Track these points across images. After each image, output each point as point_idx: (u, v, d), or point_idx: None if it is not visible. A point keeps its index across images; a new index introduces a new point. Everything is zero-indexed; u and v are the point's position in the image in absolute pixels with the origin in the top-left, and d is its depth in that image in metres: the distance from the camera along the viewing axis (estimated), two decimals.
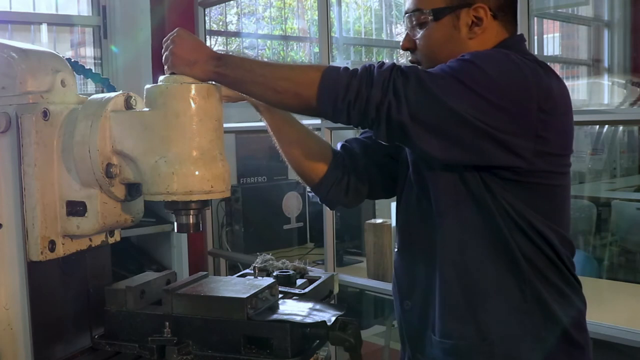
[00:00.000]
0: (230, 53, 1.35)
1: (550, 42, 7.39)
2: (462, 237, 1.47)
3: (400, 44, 1.55)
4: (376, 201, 4.01)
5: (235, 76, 1.39)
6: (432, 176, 1.48)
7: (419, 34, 1.51)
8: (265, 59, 1.43)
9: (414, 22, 1.51)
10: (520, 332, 1.48)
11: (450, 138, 1.33)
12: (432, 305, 1.54)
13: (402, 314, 1.66)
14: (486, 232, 1.45)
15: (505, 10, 1.52)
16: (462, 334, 1.49)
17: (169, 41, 1.39)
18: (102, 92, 1.47)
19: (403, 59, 6.56)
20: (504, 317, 1.48)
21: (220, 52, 1.40)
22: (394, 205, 2.00)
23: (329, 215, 3.38)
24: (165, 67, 1.38)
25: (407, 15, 1.53)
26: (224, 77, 1.39)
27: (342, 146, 1.75)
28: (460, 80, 1.31)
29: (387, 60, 1.35)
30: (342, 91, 1.32)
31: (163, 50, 1.39)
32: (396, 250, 1.68)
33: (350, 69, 1.34)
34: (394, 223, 2.90)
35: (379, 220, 3.44)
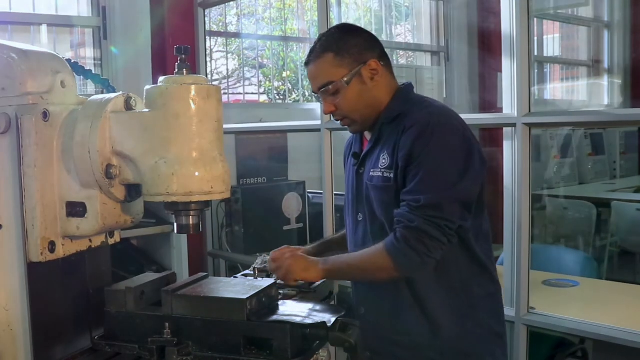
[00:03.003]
0: (332, 264, 1.80)
1: (550, 43, 7.39)
2: None
3: (323, 111, 1.93)
4: None
5: (339, 278, 1.98)
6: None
7: (337, 99, 1.88)
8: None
9: (330, 92, 1.88)
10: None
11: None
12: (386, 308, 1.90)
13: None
14: None
15: (385, 56, 1.94)
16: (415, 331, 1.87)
17: (285, 258, 1.82)
18: (102, 93, 1.47)
19: (403, 59, 6.56)
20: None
21: (324, 263, 1.81)
22: None
23: (328, 216, 3.38)
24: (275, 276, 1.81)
25: (321, 90, 1.89)
26: (331, 278, 1.88)
27: None
28: None
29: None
30: (417, 264, 1.75)
31: (275, 265, 1.84)
32: None
33: (396, 256, 1.73)
34: None
35: None
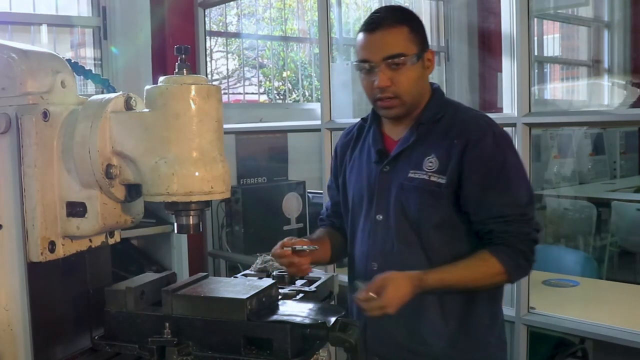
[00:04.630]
0: (437, 284, 1.76)
1: (550, 43, 7.39)
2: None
3: (378, 83, 1.81)
4: None
5: (437, 290, 1.79)
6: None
7: (398, 75, 1.80)
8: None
9: (396, 65, 1.79)
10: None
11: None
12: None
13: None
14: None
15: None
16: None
17: (383, 287, 1.67)
18: (102, 93, 1.47)
19: None
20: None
21: (423, 281, 1.72)
22: None
23: None
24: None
25: (389, 58, 1.79)
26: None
27: (332, 224, 2.16)
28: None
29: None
30: (525, 270, 1.84)
31: (367, 297, 1.67)
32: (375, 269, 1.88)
33: (515, 272, 1.80)
34: None
35: None
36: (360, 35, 1.85)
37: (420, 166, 1.82)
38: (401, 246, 1.85)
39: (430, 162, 1.81)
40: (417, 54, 1.81)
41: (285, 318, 1.32)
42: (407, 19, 1.84)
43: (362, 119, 2.06)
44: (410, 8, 6.58)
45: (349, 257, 2.04)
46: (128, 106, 1.38)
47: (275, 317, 1.33)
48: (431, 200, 1.81)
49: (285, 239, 1.85)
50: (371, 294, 1.66)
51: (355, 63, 1.88)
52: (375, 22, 1.82)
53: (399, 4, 1.96)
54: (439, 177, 1.79)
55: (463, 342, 1.85)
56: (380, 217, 1.89)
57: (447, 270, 1.76)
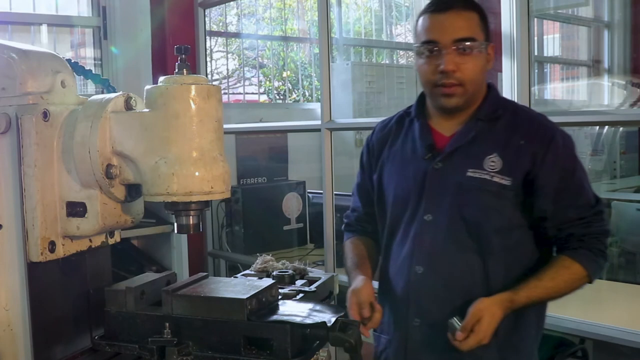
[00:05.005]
0: (525, 300, 1.68)
1: (550, 42, 7.38)
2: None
3: (445, 66, 1.71)
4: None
5: (528, 305, 1.72)
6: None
7: (464, 62, 1.71)
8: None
9: (464, 48, 1.71)
10: None
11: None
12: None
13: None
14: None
15: None
16: None
17: (479, 320, 1.61)
18: (102, 93, 1.47)
19: (403, 59, 6.56)
20: None
21: (512, 302, 1.66)
22: None
23: (329, 216, 3.38)
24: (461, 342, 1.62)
25: (459, 41, 1.71)
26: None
27: (364, 231, 2.02)
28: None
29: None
30: (602, 268, 1.79)
31: (464, 336, 1.62)
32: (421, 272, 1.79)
33: (595, 272, 1.75)
34: None
35: None
36: (426, 17, 1.76)
37: (480, 165, 1.72)
38: (454, 250, 1.74)
39: (493, 161, 1.71)
40: (485, 42, 1.75)
41: (285, 318, 1.32)
42: (476, 6, 1.76)
43: (403, 111, 1.94)
44: (411, 8, 6.60)
45: (384, 261, 1.91)
46: (128, 106, 1.38)
47: (275, 317, 1.33)
48: (494, 202, 1.71)
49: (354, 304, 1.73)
50: (459, 331, 1.60)
51: (417, 45, 1.78)
52: (447, 3, 1.74)
53: None
54: (503, 177, 1.70)
55: (511, 354, 1.76)
56: (429, 217, 1.76)
57: (534, 286, 1.68)
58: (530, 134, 1.73)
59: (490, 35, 1.79)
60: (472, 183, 1.72)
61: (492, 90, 1.83)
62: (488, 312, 1.61)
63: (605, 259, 1.74)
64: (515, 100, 2.54)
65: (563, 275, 1.70)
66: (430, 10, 1.76)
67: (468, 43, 1.71)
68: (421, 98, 1.89)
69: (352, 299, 1.73)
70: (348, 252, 1.98)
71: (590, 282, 1.74)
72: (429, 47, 1.73)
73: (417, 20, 1.81)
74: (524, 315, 1.73)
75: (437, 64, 1.72)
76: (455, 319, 1.63)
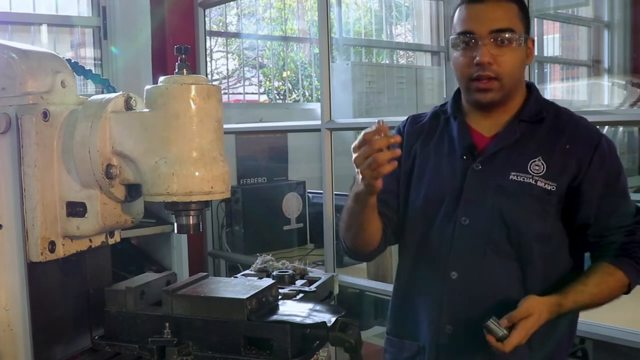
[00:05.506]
0: (571, 305, 1.63)
1: (550, 42, 7.38)
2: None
3: (481, 58, 1.64)
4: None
5: (572, 310, 1.67)
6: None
7: (501, 54, 1.64)
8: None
9: (502, 40, 1.64)
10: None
11: None
12: None
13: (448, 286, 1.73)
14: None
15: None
16: None
17: (526, 317, 1.54)
18: (102, 93, 1.47)
19: (403, 59, 6.56)
20: None
21: (560, 307, 1.59)
22: None
23: (329, 216, 3.38)
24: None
25: (497, 32, 1.64)
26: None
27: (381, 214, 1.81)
28: None
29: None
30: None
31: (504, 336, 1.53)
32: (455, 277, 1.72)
33: (635, 275, 1.68)
34: None
35: None
36: (462, 8, 1.69)
37: (524, 168, 1.66)
38: (492, 256, 1.67)
39: (537, 165, 1.65)
40: (524, 35, 1.67)
41: (285, 318, 1.32)
42: None
43: (438, 108, 1.86)
44: (411, 8, 6.61)
45: (409, 263, 1.83)
46: (128, 106, 1.38)
47: (275, 317, 1.33)
48: (537, 208, 1.65)
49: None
50: (505, 330, 1.51)
51: (452, 37, 1.70)
52: None
53: None
54: (547, 182, 1.64)
55: None
56: (466, 220, 1.69)
57: (580, 291, 1.62)
58: (576, 138, 1.67)
59: (530, 28, 1.71)
60: (515, 187, 1.65)
61: (533, 90, 1.77)
62: (537, 311, 1.54)
63: None
64: None
65: (608, 282, 1.64)
66: (467, 0, 1.69)
67: (506, 34, 1.64)
68: (457, 95, 1.82)
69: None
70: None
71: (628, 291, 1.69)
72: (465, 38, 1.66)
73: (454, 12, 1.74)
74: (557, 325, 1.66)
75: (473, 56, 1.65)
76: (492, 319, 1.53)
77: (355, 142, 1.55)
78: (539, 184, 1.64)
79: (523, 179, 1.65)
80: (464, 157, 1.72)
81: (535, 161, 1.66)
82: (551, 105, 1.77)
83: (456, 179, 1.72)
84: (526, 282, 1.67)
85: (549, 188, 1.64)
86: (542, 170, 1.65)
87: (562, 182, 1.65)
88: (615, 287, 1.66)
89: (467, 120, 1.76)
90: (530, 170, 1.65)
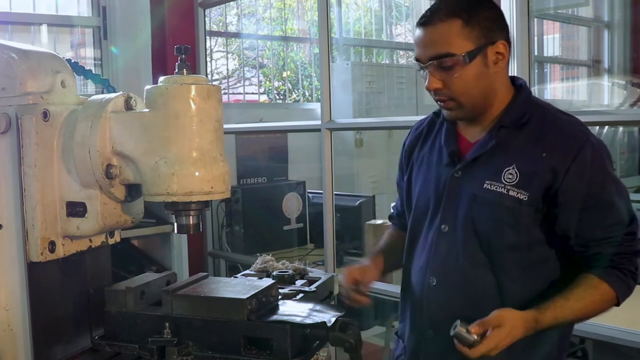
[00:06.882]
0: (550, 321, 1.54)
1: (550, 42, 7.38)
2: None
3: (428, 86, 1.63)
4: (376, 202, 4.01)
5: (553, 326, 1.59)
6: None
7: (450, 75, 1.60)
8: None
9: (443, 66, 1.59)
10: None
11: None
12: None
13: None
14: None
15: (510, 41, 1.65)
16: None
17: (498, 326, 1.49)
18: (102, 93, 1.47)
19: (403, 59, 6.56)
20: None
21: (538, 322, 1.54)
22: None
23: (329, 216, 3.38)
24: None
25: (435, 59, 1.59)
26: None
27: (402, 226, 1.95)
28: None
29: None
30: (632, 290, 1.64)
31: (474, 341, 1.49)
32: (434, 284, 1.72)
33: (625, 294, 1.62)
34: None
35: (379, 221, 3.44)
36: (415, 30, 1.66)
37: (498, 177, 1.61)
38: (467, 265, 1.66)
39: (511, 174, 1.60)
40: (472, 51, 1.57)
41: (285, 318, 1.32)
42: (464, 8, 1.59)
43: (434, 112, 1.83)
44: (411, 8, 6.61)
45: (404, 266, 1.85)
46: (128, 106, 1.38)
47: (275, 317, 1.33)
48: (508, 218, 1.60)
49: (355, 270, 1.76)
50: (475, 335, 1.47)
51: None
52: (426, 16, 1.62)
53: None
54: (519, 192, 1.59)
55: None
56: (445, 228, 1.68)
57: (560, 306, 1.55)
58: (553, 146, 1.59)
59: (494, 32, 1.61)
60: (487, 196, 1.62)
61: (521, 92, 1.69)
62: (510, 323, 1.49)
63: (635, 281, 1.62)
64: None
65: (592, 296, 1.58)
66: (417, 22, 1.66)
67: (445, 60, 1.58)
68: None
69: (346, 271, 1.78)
70: (381, 239, 2.00)
71: (617, 304, 1.63)
72: (416, 65, 1.66)
73: None
74: (544, 335, 1.60)
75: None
76: (461, 325, 1.49)
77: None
78: (510, 193, 1.60)
79: (496, 188, 1.61)
80: (447, 164, 1.71)
81: (509, 170, 1.61)
82: (538, 108, 1.68)
83: (440, 186, 1.71)
84: (502, 292, 1.64)
85: (521, 197, 1.59)
86: (515, 179, 1.60)
87: (534, 192, 1.59)
88: (601, 300, 1.59)
89: (458, 126, 1.75)
90: (504, 179, 1.61)
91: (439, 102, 1.67)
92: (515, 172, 1.60)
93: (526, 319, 1.52)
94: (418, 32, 1.64)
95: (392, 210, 2.05)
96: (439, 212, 1.70)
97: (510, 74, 1.72)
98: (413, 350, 1.79)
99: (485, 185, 1.63)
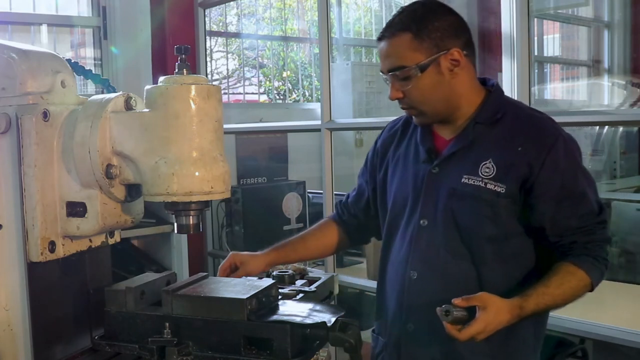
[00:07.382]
0: (534, 308, 1.59)
1: (550, 42, 7.38)
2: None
3: (389, 96, 1.73)
4: None
5: (535, 313, 1.63)
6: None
7: (407, 85, 1.68)
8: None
9: (400, 77, 1.68)
10: None
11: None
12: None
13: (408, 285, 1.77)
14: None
15: (471, 46, 1.73)
16: None
17: (483, 307, 1.51)
18: (102, 93, 1.47)
19: None
20: None
21: (522, 309, 1.57)
22: None
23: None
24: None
25: (390, 73, 1.69)
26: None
27: (342, 220, 2.05)
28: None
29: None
30: (603, 276, 1.70)
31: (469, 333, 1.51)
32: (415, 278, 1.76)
33: (598, 279, 1.67)
34: None
35: None
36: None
37: (475, 171, 1.67)
38: (447, 257, 1.70)
39: (488, 167, 1.66)
40: (423, 62, 1.65)
41: (285, 318, 1.32)
42: (414, 21, 1.67)
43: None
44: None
45: (382, 261, 1.89)
46: (128, 106, 1.38)
47: (275, 317, 1.33)
48: (487, 211, 1.66)
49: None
50: (458, 307, 1.49)
51: None
52: (383, 30, 1.71)
53: (419, 1, 1.72)
54: (497, 184, 1.65)
55: None
56: (425, 222, 1.73)
57: (542, 293, 1.60)
58: (528, 140, 1.66)
59: (445, 41, 1.66)
60: (465, 190, 1.67)
61: (494, 91, 1.76)
62: (495, 306, 1.52)
63: (606, 267, 1.69)
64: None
65: (570, 282, 1.63)
66: (377, 36, 1.76)
67: (398, 72, 1.68)
68: None
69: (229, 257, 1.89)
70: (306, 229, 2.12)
71: (591, 290, 1.69)
72: (382, 75, 1.76)
73: None
74: (521, 322, 1.63)
75: None
76: (445, 305, 1.50)
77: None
78: (488, 186, 1.65)
79: (473, 181, 1.67)
80: (424, 161, 1.77)
81: (486, 163, 1.67)
82: (511, 106, 1.76)
83: (418, 182, 1.76)
84: (482, 283, 1.67)
85: (498, 190, 1.65)
86: (492, 173, 1.66)
87: (511, 184, 1.64)
88: (578, 286, 1.65)
89: (432, 125, 1.79)
90: (481, 172, 1.67)
91: (404, 110, 1.77)
92: (492, 166, 1.66)
93: (512, 306, 1.55)
94: (379, 45, 1.73)
95: (342, 200, 2.08)
96: (418, 207, 1.75)
97: (487, 75, 1.81)
98: (394, 345, 1.80)
99: (463, 180, 1.68)
